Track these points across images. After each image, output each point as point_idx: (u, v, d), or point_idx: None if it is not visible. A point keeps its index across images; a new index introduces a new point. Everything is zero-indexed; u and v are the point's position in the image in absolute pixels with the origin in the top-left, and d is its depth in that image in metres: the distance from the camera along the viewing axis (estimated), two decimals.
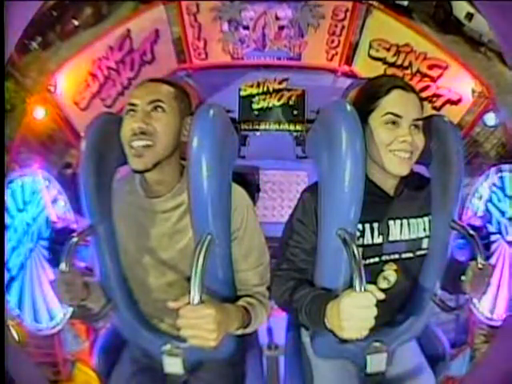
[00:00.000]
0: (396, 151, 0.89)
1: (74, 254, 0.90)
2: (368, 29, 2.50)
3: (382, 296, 0.76)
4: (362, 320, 0.75)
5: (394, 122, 0.89)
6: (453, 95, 2.30)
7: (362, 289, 0.75)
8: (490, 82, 2.33)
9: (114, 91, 2.38)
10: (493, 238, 1.28)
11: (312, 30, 2.59)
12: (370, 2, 2.46)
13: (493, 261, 1.28)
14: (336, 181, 0.86)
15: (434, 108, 2.35)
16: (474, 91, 2.20)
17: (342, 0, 2.45)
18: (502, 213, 1.29)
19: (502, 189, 1.28)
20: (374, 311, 0.74)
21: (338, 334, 0.78)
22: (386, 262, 0.97)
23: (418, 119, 0.90)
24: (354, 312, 0.75)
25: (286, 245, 0.98)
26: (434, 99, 2.35)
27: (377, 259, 0.97)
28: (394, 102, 0.89)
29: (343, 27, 2.54)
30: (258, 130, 2.55)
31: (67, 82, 2.18)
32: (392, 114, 0.89)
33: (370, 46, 2.50)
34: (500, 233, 1.29)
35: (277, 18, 2.59)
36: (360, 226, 0.93)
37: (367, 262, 0.95)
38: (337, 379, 1.03)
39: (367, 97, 0.93)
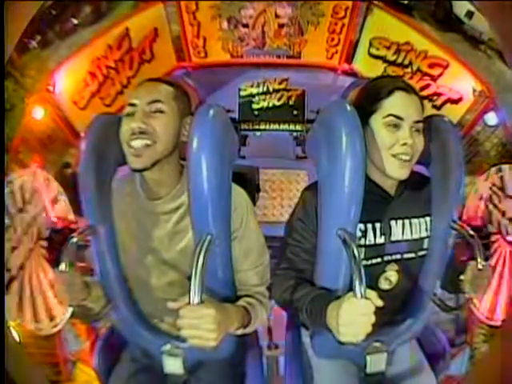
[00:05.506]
0: (397, 154, 0.89)
1: (73, 254, 0.90)
2: (368, 27, 2.49)
3: (380, 303, 0.75)
4: (359, 327, 0.75)
5: (395, 125, 0.89)
6: (453, 94, 2.30)
7: (362, 291, 0.74)
8: (490, 80, 2.32)
9: (113, 90, 2.37)
10: (493, 238, 1.28)
11: (312, 28, 2.58)
12: None
13: (493, 261, 1.28)
14: (336, 181, 0.86)
15: (435, 107, 2.34)
16: (474, 90, 2.20)
17: None
18: (502, 213, 1.29)
19: (502, 189, 1.28)
20: (372, 319, 0.74)
21: (336, 336, 0.78)
22: (388, 262, 0.97)
23: (418, 121, 0.90)
24: (353, 318, 0.74)
25: (286, 244, 0.98)
26: (435, 98, 2.34)
27: (379, 259, 0.96)
28: (395, 103, 0.89)
29: (343, 25, 2.53)
30: (258, 129, 2.54)
31: (66, 81, 2.18)
32: (394, 115, 0.88)
33: (370, 44, 2.49)
34: (500, 233, 1.29)
35: (276, 16, 2.58)
36: (362, 226, 0.93)
37: (369, 262, 0.95)
38: (337, 379, 1.03)
39: (368, 98, 0.92)
